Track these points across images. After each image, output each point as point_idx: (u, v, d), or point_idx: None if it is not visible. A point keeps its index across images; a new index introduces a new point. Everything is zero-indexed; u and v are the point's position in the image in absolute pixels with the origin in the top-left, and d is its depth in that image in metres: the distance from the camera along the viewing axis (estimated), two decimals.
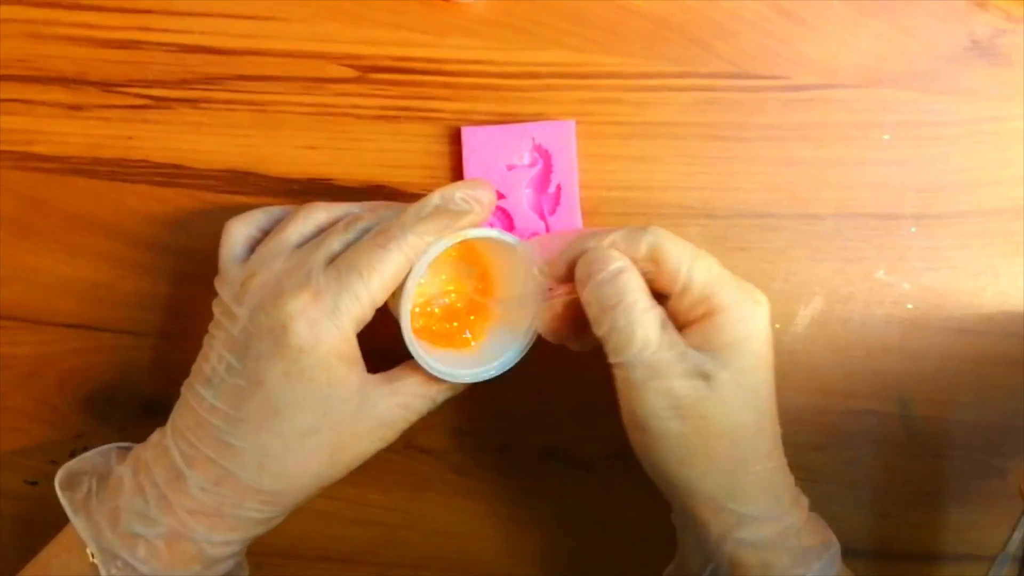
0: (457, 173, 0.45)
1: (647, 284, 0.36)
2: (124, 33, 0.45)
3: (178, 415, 0.38)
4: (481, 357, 0.41)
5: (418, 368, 0.39)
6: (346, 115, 0.45)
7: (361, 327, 0.37)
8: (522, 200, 0.44)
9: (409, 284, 0.37)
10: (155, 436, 0.38)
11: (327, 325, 0.35)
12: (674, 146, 0.45)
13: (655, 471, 0.37)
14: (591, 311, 0.36)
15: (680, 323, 0.36)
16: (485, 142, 0.44)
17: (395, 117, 0.45)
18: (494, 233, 0.39)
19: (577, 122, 0.44)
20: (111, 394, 0.45)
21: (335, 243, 0.37)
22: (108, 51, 0.45)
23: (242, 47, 0.45)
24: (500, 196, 0.44)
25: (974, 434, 0.45)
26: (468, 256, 0.42)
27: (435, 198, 0.38)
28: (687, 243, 0.36)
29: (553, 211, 0.44)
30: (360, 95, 0.45)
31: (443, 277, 0.42)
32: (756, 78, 0.45)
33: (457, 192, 0.38)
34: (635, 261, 0.36)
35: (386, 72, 0.45)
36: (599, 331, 0.35)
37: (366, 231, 0.38)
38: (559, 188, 0.44)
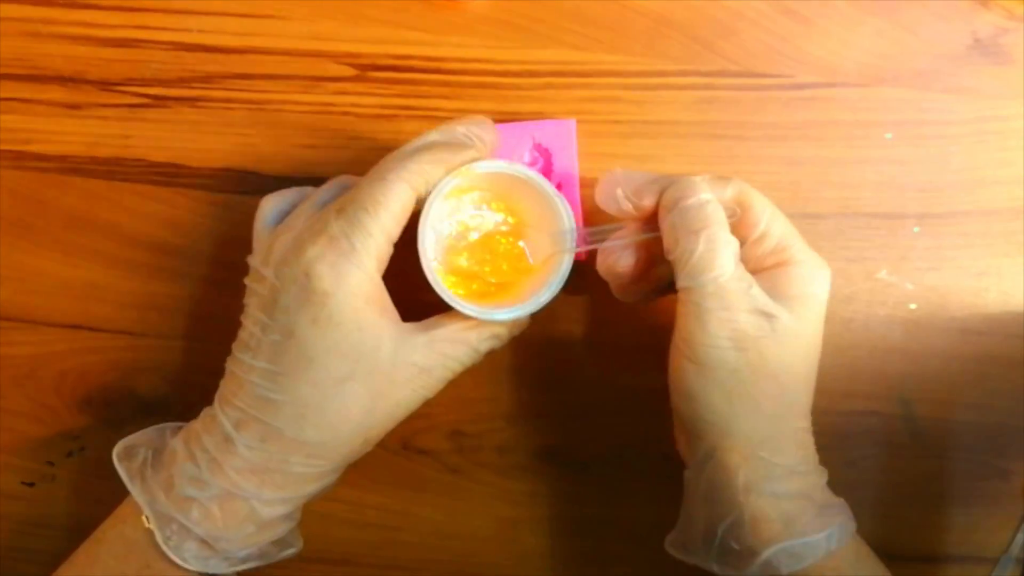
0: None
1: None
2: (122, 32, 0.45)
3: (224, 386, 0.38)
4: (514, 300, 0.40)
5: (457, 315, 0.38)
6: (345, 114, 0.45)
7: (383, 265, 0.37)
8: None
9: (423, 218, 0.37)
10: (205, 411, 0.39)
11: (347, 266, 0.36)
12: (675, 145, 0.45)
13: (695, 406, 0.37)
14: (672, 235, 0.37)
15: (750, 268, 0.37)
16: None
17: (394, 116, 0.45)
18: (513, 168, 0.39)
19: (578, 121, 0.44)
20: (109, 395, 0.45)
21: (340, 198, 0.38)
22: (106, 50, 0.45)
23: (240, 45, 0.45)
24: None
25: (977, 435, 0.45)
26: (494, 200, 0.42)
27: (434, 132, 0.38)
28: (767, 199, 0.38)
29: None
30: (359, 94, 0.45)
31: (468, 225, 0.41)
32: (758, 77, 0.45)
33: (459, 127, 0.38)
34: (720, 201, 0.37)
35: (385, 71, 0.45)
36: (675, 254, 0.36)
37: None
38: (559, 187, 0.44)
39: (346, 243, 0.36)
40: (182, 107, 0.45)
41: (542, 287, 0.39)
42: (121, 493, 0.45)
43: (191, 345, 0.45)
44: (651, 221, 0.38)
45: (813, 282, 0.37)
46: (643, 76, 0.45)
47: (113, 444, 0.44)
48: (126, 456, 0.39)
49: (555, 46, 0.45)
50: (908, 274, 0.45)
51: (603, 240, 0.39)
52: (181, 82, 0.45)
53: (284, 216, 0.40)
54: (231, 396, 0.37)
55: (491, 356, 0.45)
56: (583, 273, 0.45)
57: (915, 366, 0.45)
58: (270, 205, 0.40)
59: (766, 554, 0.36)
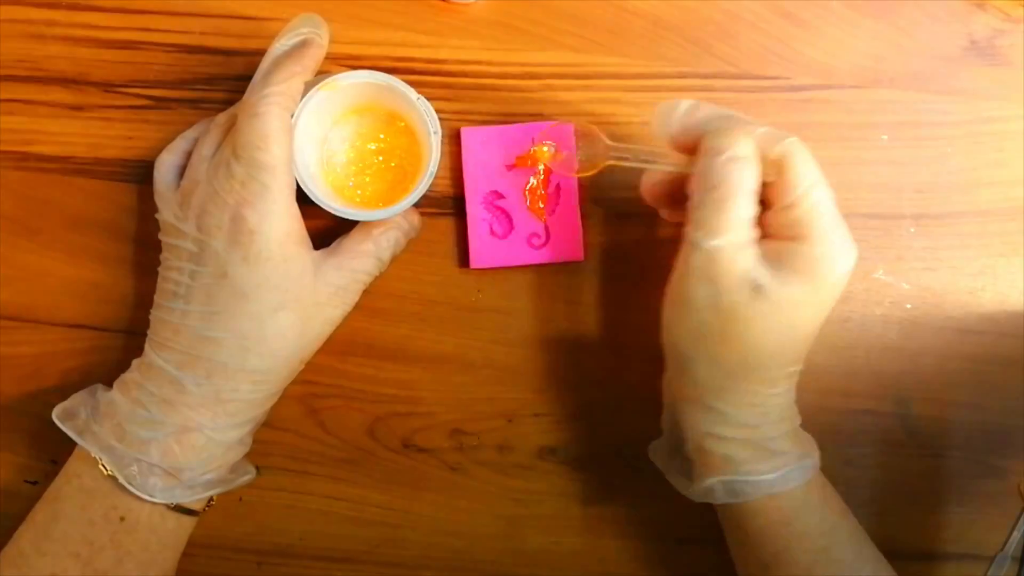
0: (457, 173, 0.45)
1: (762, 181, 0.36)
2: (125, 34, 0.45)
3: (153, 334, 0.41)
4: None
5: (356, 234, 0.42)
6: None
7: (293, 190, 0.40)
8: (522, 200, 0.44)
9: (292, 134, 0.39)
10: (134, 363, 0.41)
11: (266, 204, 0.38)
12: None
13: (666, 335, 0.39)
14: (694, 182, 0.37)
15: (770, 232, 0.37)
16: (485, 142, 0.44)
17: None
18: (373, 76, 0.41)
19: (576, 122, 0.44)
20: None
21: (225, 133, 0.41)
22: (109, 52, 0.45)
23: (242, 47, 0.45)
24: (500, 196, 0.44)
25: (973, 434, 0.45)
26: (387, 115, 0.44)
27: (276, 45, 0.41)
28: (816, 168, 0.36)
29: (553, 211, 0.44)
30: None
31: (348, 148, 0.44)
32: (755, 79, 0.45)
33: (293, 32, 0.41)
34: (762, 159, 0.36)
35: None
36: (691, 201, 0.37)
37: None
38: (559, 188, 0.44)
39: (256, 184, 0.38)
40: (184, 108, 0.45)
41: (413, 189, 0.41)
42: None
43: None
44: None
45: (820, 264, 0.36)
46: (641, 78, 0.45)
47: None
48: (67, 418, 0.41)
49: (554, 48, 0.45)
50: (904, 274, 0.45)
51: (648, 161, 0.40)
52: (183, 84, 0.45)
53: (181, 170, 0.42)
54: (165, 341, 0.40)
55: (491, 356, 0.45)
56: (582, 274, 0.45)
57: (911, 365, 0.45)
58: (165, 161, 0.42)
59: (707, 482, 0.38)
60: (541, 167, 0.44)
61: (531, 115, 0.45)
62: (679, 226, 0.38)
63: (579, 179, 0.44)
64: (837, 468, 0.45)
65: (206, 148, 0.41)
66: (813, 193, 0.36)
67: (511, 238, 0.44)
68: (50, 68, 0.45)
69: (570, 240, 0.44)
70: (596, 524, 0.45)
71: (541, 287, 0.45)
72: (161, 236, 0.41)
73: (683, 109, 0.38)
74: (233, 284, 0.39)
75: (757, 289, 0.36)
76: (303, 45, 0.41)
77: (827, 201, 0.36)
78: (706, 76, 0.45)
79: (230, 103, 0.45)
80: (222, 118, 0.42)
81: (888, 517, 0.45)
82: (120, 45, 0.45)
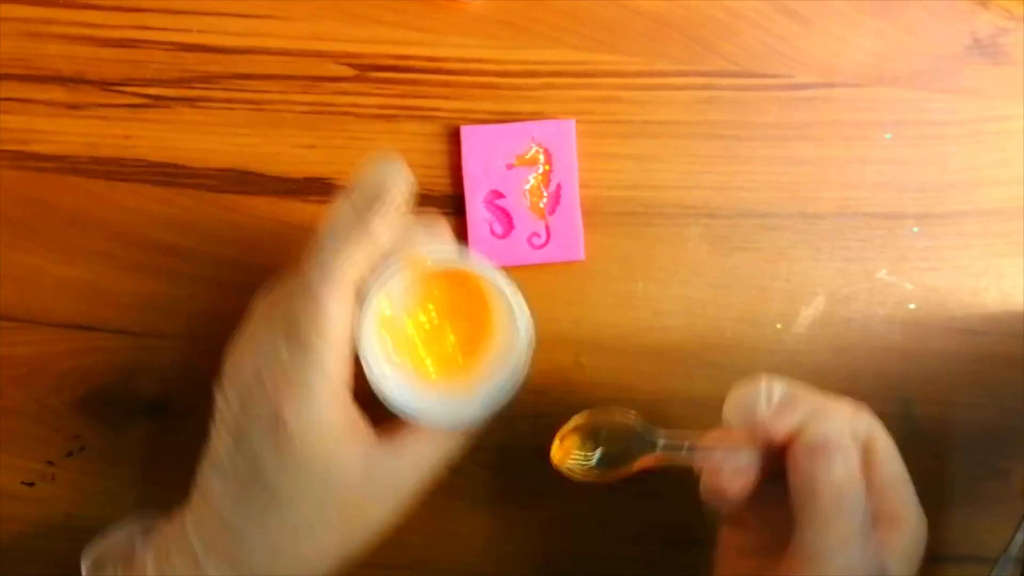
0: (456, 172, 0.44)
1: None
2: (122, 32, 0.45)
3: (195, 498, 0.37)
4: (473, 390, 0.38)
5: (417, 428, 0.37)
6: (345, 114, 0.45)
7: (349, 377, 0.35)
8: (522, 200, 0.44)
9: (360, 323, 0.35)
10: (176, 517, 0.37)
11: (310, 404, 0.34)
12: (675, 145, 0.45)
13: None
14: (801, 491, 0.34)
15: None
16: (484, 141, 0.44)
17: (394, 116, 0.45)
18: (446, 258, 0.36)
19: (577, 121, 0.44)
20: (109, 395, 0.45)
21: (286, 301, 0.35)
22: (106, 50, 0.45)
23: (241, 46, 0.45)
24: (500, 196, 0.44)
25: (976, 435, 0.45)
26: (460, 279, 0.39)
27: (344, 208, 0.35)
28: (894, 448, 0.36)
29: (553, 211, 0.44)
30: (359, 94, 0.45)
31: (430, 307, 0.39)
32: (757, 77, 0.45)
33: (362, 188, 0.35)
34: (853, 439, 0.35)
35: (385, 71, 0.45)
36: (801, 515, 0.34)
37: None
38: (559, 187, 0.44)
39: (302, 378, 0.33)
40: (182, 107, 0.45)
41: (499, 373, 0.37)
42: (119, 494, 0.45)
43: (191, 345, 0.45)
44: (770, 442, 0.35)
45: (919, 543, 0.35)
46: (642, 76, 0.45)
47: (113, 444, 0.45)
48: (95, 569, 0.37)
49: (555, 46, 0.45)
50: (907, 274, 0.45)
51: (705, 455, 0.35)
52: (181, 82, 0.45)
53: None
54: (201, 513, 0.36)
55: None
56: (582, 274, 0.45)
57: (914, 366, 0.45)
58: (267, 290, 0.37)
59: None
60: (541, 170, 0.44)
61: (531, 113, 0.44)
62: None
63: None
64: None
65: (270, 304, 0.36)
66: (890, 465, 0.35)
67: (511, 238, 0.44)
68: (47, 66, 0.45)
69: (570, 240, 0.44)
70: (596, 526, 0.45)
71: (541, 287, 0.45)
72: (217, 386, 0.37)
73: (774, 391, 0.35)
74: (269, 487, 0.34)
75: None
76: (378, 202, 0.35)
77: (901, 470, 0.36)
78: (708, 74, 0.45)
79: (228, 102, 0.45)
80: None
81: None
82: (118, 43, 0.45)
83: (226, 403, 0.36)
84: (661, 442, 0.36)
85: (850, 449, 0.35)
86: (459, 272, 0.38)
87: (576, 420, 0.38)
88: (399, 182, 0.36)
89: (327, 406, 0.34)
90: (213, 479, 0.35)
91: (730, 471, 0.35)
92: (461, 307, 0.39)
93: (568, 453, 0.37)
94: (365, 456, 0.35)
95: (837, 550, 0.33)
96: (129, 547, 0.38)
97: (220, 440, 0.35)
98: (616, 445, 0.37)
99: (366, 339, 0.35)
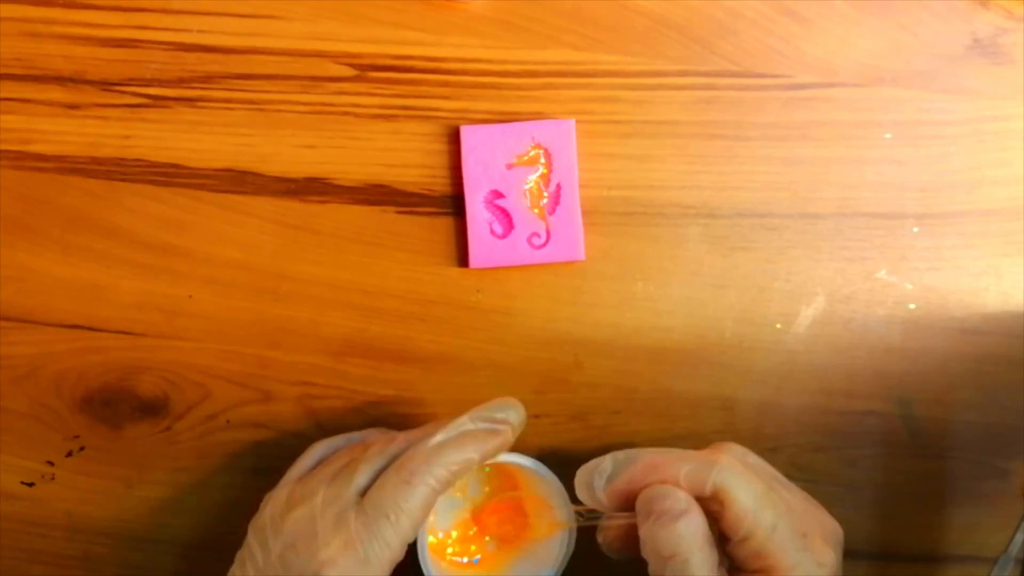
0: (456, 172, 0.44)
1: (713, 521, 0.35)
2: (122, 32, 0.45)
3: None
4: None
5: None
6: (345, 114, 0.45)
7: (395, 564, 0.36)
8: (522, 200, 0.44)
9: (423, 534, 0.38)
10: None
11: (360, 573, 0.35)
12: (675, 145, 0.45)
13: None
14: (646, 549, 0.35)
15: (736, 564, 0.36)
16: (484, 141, 0.44)
17: (394, 116, 0.45)
18: (518, 459, 0.39)
19: (577, 121, 0.44)
20: (108, 395, 0.45)
21: (363, 476, 0.37)
22: (106, 50, 0.45)
23: (240, 46, 0.45)
24: (500, 196, 0.44)
25: (976, 435, 0.45)
26: (505, 472, 0.42)
27: (466, 420, 0.37)
28: (755, 484, 0.35)
29: (553, 210, 0.44)
30: (359, 94, 0.45)
31: (485, 489, 0.42)
32: (757, 77, 0.45)
33: (485, 411, 0.38)
34: (700, 498, 0.35)
35: (385, 71, 0.45)
36: (650, 567, 0.35)
37: (395, 458, 0.37)
38: (559, 187, 0.44)
39: (362, 552, 0.35)
40: (182, 107, 0.45)
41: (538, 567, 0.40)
42: (118, 494, 0.45)
43: (190, 345, 0.45)
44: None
45: None
46: (642, 76, 0.45)
47: (113, 443, 0.45)
48: None
49: (555, 46, 0.45)
50: (907, 274, 0.45)
51: (596, 519, 0.39)
52: (181, 82, 0.45)
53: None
54: None
55: (491, 356, 0.45)
56: (582, 274, 0.45)
57: (914, 366, 0.45)
58: (317, 452, 0.40)
59: None
60: (541, 170, 0.44)
61: (531, 113, 0.44)
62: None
63: (580, 184, 0.44)
64: (839, 470, 0.45)
65: (334, 470, 0.37)
66: (764, 517, 0.34)
67: (511, 238, 0.44)
68: (47, 66, 0.45)
69: (570, 240, 0.44)
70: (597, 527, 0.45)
71: (541, 287, 0.45)
72: (251, 530, 0.38)
73: (600, 470, 0.36)
74: None
75: None
76: (494, 435, 0.37)
77: (781, 518, 0.35)
78: (708, 74, 0.45)
79: (228, 102, 0.45)
80: (379, 449, 0.38)
81: (890, 519, 0.45)
82: (117, 43, 0.45)
83: (263, 549, 0.36)
84: (564, 514, 0.40)
85: (674, 499, 0.34)
86: (501, 475, 0.41)
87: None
88: (516, 426, 0.38)
89: None
90: None
91: (611, 533, 0.38)
92: (497, 506, 0.42)
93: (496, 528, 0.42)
94: None
95: None
96: None
97: None
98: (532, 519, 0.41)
99: (423, 534, 0.38)
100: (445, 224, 0.45)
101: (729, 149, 0.45)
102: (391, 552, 0.35)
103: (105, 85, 0.45)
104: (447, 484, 0.36)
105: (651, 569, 0.35)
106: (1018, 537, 0.44)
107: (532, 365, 0.45)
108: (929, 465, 0.45)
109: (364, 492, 0.36)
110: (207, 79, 0.45)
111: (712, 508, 0.35)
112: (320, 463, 0.39)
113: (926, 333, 0.45)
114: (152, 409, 0.45)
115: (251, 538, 0.38)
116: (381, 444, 0.38)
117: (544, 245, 0.44)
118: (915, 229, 0.45)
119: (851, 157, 0.45)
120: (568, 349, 0.45)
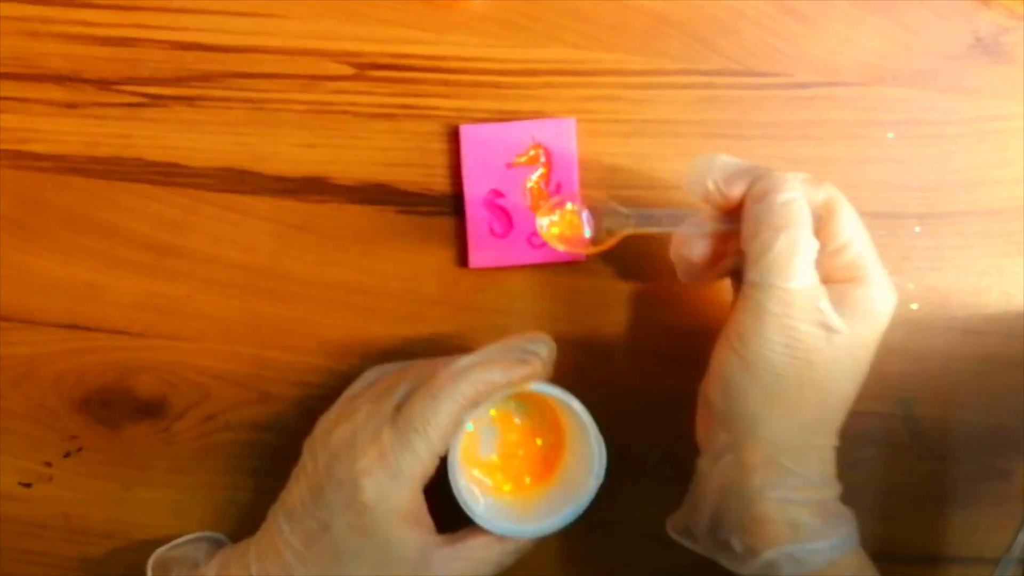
0: (456, 172, 0.44)
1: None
2: (120, 31, 0.45)
3: (263, 536, 0.40)
4: (539, 511, 0.41)
5: (481, 531, 0.40)
6: (344, 113, 0.45)
7: (427, 477, 0.38)
8: (522, 199, 0.44)
9: (454, 440, 0.38)
10: (241, 546, 0.41)
11: (390, 485, 0.37)
12: (675, 144, 0.44)
13: (729, 399, 0.37)
14: (753, 227, 0.36)
15: (821, 275, 0.37)
16: (484, 140, 0.44)
17: (393, 115, 0.45)
18: (549, 389, 0.40)
19: (577, 120, 0.44)
20: (106, 395, 0.45)
21: (400, 393, 0.39)
22: (104, 49, 0.45)
23: (239, 44, 0.45)
24: (499, 195, 0.44)
25: (978, 435, 0.45)
26: (540, 404, 0.42)
27: (493, 347, 0.39)
28: (855, 212, 0.37)
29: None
30: (358, 93, 0.45)
31: (516, 421, 0.43)
32: (758, 76, 0.45)
33: (519, 342, 0.39)
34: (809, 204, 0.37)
35: (384, 69, 0.45)
36: (751, 247, 0.36)
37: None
38: (559, 186, 0.44)
39: (393, 462, 0.37)
40: (180, 106, 0.45)
41: (567, 500, 0.40)
42: (117, 495, 0.45)
43: (189, 345, 0.45)
44: (732, 212, 0.38)
45: (880, 304, 0.37)
46: (643, 75, 0.45)
47: (111, 444, 0.45)
48: (160, 570, 0.42)
49: (555, 45, 0.45)
50: (909, 274, 0.45)
51: (676, 224, 0.39)
52: (179, 81, 0.45)
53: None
54: (265, 553, 0.39)
55: None
56: (582, 274, 0.45)
57: (916, 366, 0.45)
58: (369, 377, 0.42)
59: (768, 555, 0.36)
60: (541, 170, 0.44)
61: (531, 112, 0.44)
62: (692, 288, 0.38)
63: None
64: (841, 470, 0.44)
65: (379, 390, 0.40)
66: (860, 235, 0.37)
67: (511, 237, 0.44)
68: (44, 65, 0.45)
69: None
70: (597, 527, 0.45)
71: (541, 287, 0.45)
72: (306, 447, 0.41)
73: (723, 162, 0.38)
74: (333, 542, 0.38)
75: (831, 332, 0.36)
76: (523, 365, 0.39)
77: (870, 245, 0.37)
78: (708, 73, 0.44)
79: (227, 101, 0.45)
80: (418, 372, 0.40)
81: (892, 520, 0.45)
82: (115, 42, 0.45)
83: (312, 460, 0.39)
84: (638, 216, 0.40)
85: (794, 183, 0.36)
86: (543, 399, 0.41)
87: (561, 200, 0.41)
88: (545, 358, 0.39)
89: (406, 489, 0.37)
90: (283, 523, 0.39)
91: (694, 238, 0.39)
92: (537, 431, 0.43)
93: (557, 230, 0.41)
94: (423, 541, 0.38)
95: (789, 277, 0.35)
96: (194, 557, 0.42)
97: (297, 490, 0.39)
98: (595, 225, 0.41)
99: (455, 448, 0.39)
100: (445, 224, 0.45)
101: (730, 148, 0.44)
102: (421, 463, 0.37)
103: (103, 84, 0.45)
104: (473, 401, 0.38)
105: (755, 249, 0.36)
106: (1020, 538, 0.45)
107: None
108: (930, 466, 0.45)
109: (400, 408, 0.38)
110: (206, 78, 0.45)
111: (816, 216, 0.36)
112: (369, 386, 0.41)
113: (928, 333, 0.45)
114: (151, 409, 0.45)
115: (304, 454, 0.40)
116: (421, 367, 0.40)
117: (544, 245, 0.44)
118: (917, 229, 0.45)
119: (852, 156, 0.45)
120: (568, 349, 0.45)
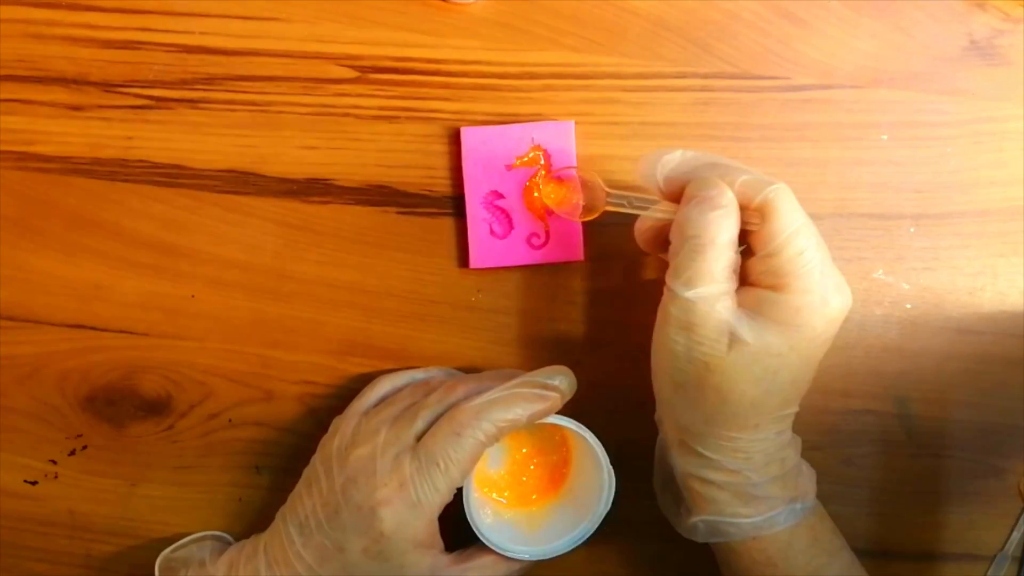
0: (457, 173, 0.45)
1: (746, 231, 0.37)
2: (125, 34, 0.45)
3: (272, 542, 0.41)
4: (544, 528, 0.42)
5: (488, 550, 0.41)
6: (346, 115, 0.45)
7: (443, 506, 0.39)
8: (522, 200, 0.44)
9: (470, 480, 0.40)
10: (249, 548, 0.41)
11: (409, 515, 0.38)
12: (673, 146, 0.44)
13: (653, 376, 0.39)
14: (674, 230, 0.37)
15: (751, 279, 0.37)
16: (484, 142, 0.44)
17: (395, 117, 0.45)
18: (564, 421, 0.41)
19: (576, 122, 0.44)
20: (111, 394, 0.45)
21: (421, 422, 0.39)
22: (109, 51, 0.45)
23: (242, 47, 0.45)
24: (499, 196, 0.44)
25: (973, 434, 0.45)
26: (551, 428, 0.43)
27: (518, 381, 0.40)
28: (801, 214, 0.36)
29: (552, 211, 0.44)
30: (360, 95, 0.45)
31: (524, 438, 0.44)
32: (754, 78, 0.45)
33: (537, 376, 0.40)
34: (745, 208, 0.36)
35: (386, 72, 0.45)
36: (670, 250, 0.37)
37: (452, 407, 0.40)
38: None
39: (413, 495, 0.38)
40: (184, 108, 0.45)
41: (573, 520, 0.42)
42: (121, 493, 0.45)
43: (193, 344, 0.45)
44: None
45: (801, 316, 0.36)
46: (641, 78, 0.45)
47: (115, 442, 0.45)
48: (167, 571, 0.42)
49: (554, 48, 0.45)
50: (904, 274, 0.45)
51: (645, 208, 0.40)
52: (183, 84, 0.45)
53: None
54: (276, 561, 0.40)
55: (491, 356, 0.45)
56: (581, 274, 0.45)
57: (911, 365, 0.45)
58: (381, 389, 0.42)
59: (692, 519, 0.39)
60: (540, 171, 0.44)
61: (531, 115, 0.45)
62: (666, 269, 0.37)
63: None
64: (837, 468, 0.45)
65: (396, 411, 0.40)
66: (796, 241, 0.36)
67: (511, 238, 0.44)
68: (50, 68, 0.45)
69: (570, 240, 0.44)
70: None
71: (541, 287, 0.45)
72: (321, 448, 0.41)
73: (667, 159, 0.38)
74: (346, 563, 0.38)
75: (735, 339, 0.35)
76: (543, 399, 0.40)
77: (812, 248, 0.36)
78: (705, 76, 0.45)
79: (230, 103, 0.45)
80: (439, 397, 0.40)
81: (888, 517, 0.45)
82: (120, 45, 0.45)
83: (328, 477, 0.40)
84: (615, 196, 0.41)
85: (720, 189, 0.36)
86: (551, 427, 0.42)
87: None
88: (565, 392, 0.40)
89: (424, 520, 0.38)
90: (295, 534, 0.40)
91: (646, 222, 0.39)
92: (545, 448, 0.44)
93: (555, 196, 0.43)
94: (434, 561, 0.40)
95: (688, 284, 0.35)
96: (200, 558, 0.42)
97: (311, 503, 0.40)
98: (586, 197, 0.42)
99: (470, 477, 0.40)
100: (445, 224, 0.45)
101: (727, 150, 0.45)
102: (440, 496, 0.38)
103: (108, 86, 0.45)
104: (494, 439, 0.39)
105: (671, 248, 0.37)
106: (1015, 535, 0.45)
107: (532, 365, 0.45)
108: (926, 464, 0.45)
109: (420, 436, 0.39)
110: (209, 81, 0.45)
111: (752, 221, 0.36)
112: (384, 400, 0.42)
113: (923, 333, 0.45)
114: (154, 408, 0.45)
115: (318, 465, 0.41)
116: (441, 392, 0.40)
117: (544, 245, 0.44)
118: (912, 229, 0.45)
119: (848, 158, 0.45)
120: (568, 349, 0.45)
